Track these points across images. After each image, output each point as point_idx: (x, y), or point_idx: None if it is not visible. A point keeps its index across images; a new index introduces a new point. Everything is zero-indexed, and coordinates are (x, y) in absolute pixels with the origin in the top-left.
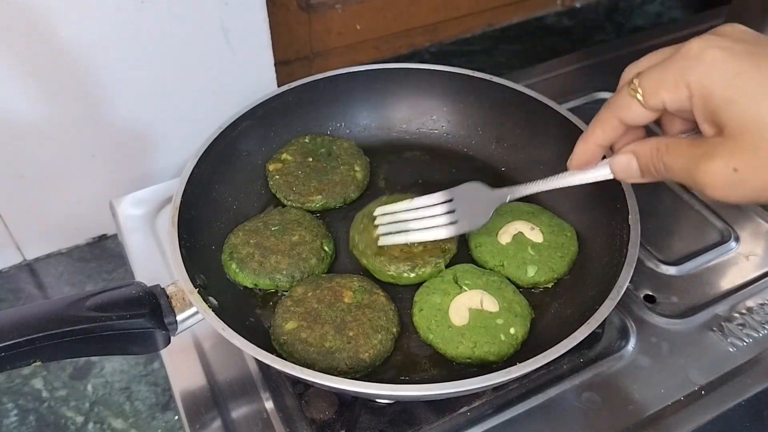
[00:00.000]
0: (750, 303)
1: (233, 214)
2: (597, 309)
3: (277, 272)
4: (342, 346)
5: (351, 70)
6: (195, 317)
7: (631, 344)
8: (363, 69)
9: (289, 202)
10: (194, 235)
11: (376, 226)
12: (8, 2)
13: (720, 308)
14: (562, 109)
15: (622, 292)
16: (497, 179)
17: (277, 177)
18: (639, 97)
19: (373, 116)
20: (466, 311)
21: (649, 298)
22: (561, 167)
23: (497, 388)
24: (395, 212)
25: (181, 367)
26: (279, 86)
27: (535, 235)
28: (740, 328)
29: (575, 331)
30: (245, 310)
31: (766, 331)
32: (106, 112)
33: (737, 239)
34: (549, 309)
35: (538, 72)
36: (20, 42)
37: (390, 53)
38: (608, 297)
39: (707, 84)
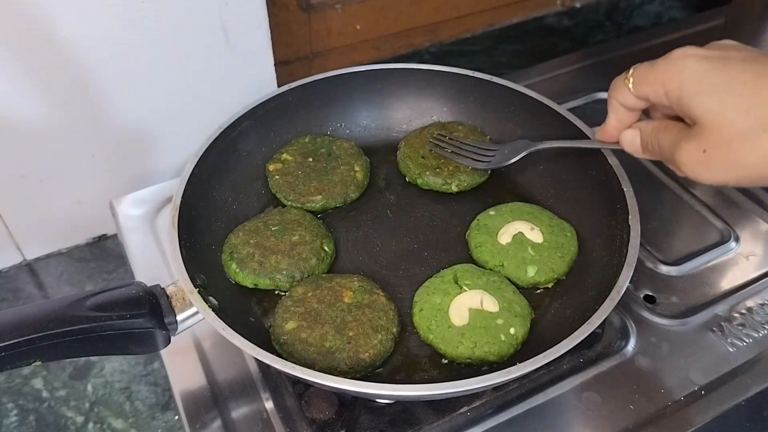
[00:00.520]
0: (750, 303)
1: (233, 214)
2: (597, 309)
3: (277, 272)
4: (342, 346)
5: (351, 70)
6: (195, 317)
7: (631, 344)
8: (363, 69)
9: (289, 202)
10: (194, 235)
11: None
12: (8, 2)
13: (720, 308)
14: (562, 109)
15: (622, 292)
16: (497, 179)
17: (277, 177)
18: (629, 85)
19: (373, 116)
20: (466, 311)
21: (649, 298)
22: (561, 168)
23: (497, 388)
24: (451, 138)
25: (181, 367)
26: (279, 86)
27: (535, 236)
28: (740, 328)
29: (575, 331)
30: (245, 310)
31: (766, 331)
32: (106, 112)
33: (737, 239)
34: (549, 309)
35: (538, 72)
36: (20, 42)
37: (390, 53)
38: (608, 297)
39: (678, 82)
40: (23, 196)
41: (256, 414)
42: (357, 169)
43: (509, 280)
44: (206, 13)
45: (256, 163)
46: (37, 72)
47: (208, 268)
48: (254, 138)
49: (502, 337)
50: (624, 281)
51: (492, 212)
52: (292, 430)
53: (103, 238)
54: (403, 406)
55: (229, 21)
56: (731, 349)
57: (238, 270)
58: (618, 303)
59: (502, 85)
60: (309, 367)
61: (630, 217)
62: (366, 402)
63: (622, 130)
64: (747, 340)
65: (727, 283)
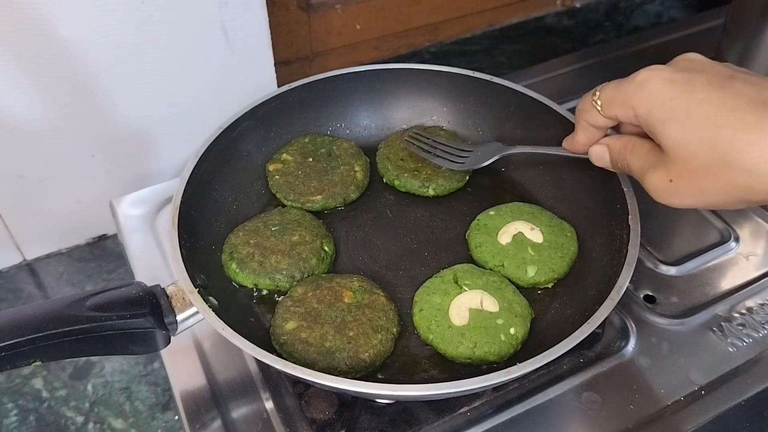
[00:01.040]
0: (750, 303)
1: (233, 214)
2: (597, 309)
3: (277, 272)
4: (342, 346)
5: (351, 70)
6: (195, 317)
7: (631, 344)
8: (363, 69)
9: (289, 202)
10: (194, 235)
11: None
12: (8, 2)
13: (720, 308)
14: (562, 109)
15: (622, 292)
16: (497, 179)
17: (277, 177)
18: (597, 106)
19: (373, 116)
20: (466, 311)
21: (649, 298)
22: (561, 168)
23: (497, 388)
24: (427, 137)
25: (181, 367)
26: (279, 86)
27: (535, 236)
28: (740, 328)
29: (575, 331)
30: (245, 310)
31: (766, 331)
32: (106, 112)
33: (737, 239)
34: (549, 309)
35: (538, 72)
36: (20, 42)
37: (390, 53)
38: (608, 297)
39: (646, 107)
40: (23, 196)
41: (256, 414)
42: (357, 169)
43: (509, 280)
44: (206, 13)
45: (256, 163)
46: (37, 72)
47: (208, 268)
48: (254, 138)
49: (502, 337)
50: (624, 281)
51: (492, 212)
52: (292, 430)
53: (103, 238)
54: (403, 406)
55: (229, 21)
56: (731, 349)
57: (238, 270)
58: (618, 303)
59: (502, 85)
60: (309, 367)
61: (630, 217)
62: (366, 402)
63: (590, 145)
64: (747, 340)
65: (727, 283)
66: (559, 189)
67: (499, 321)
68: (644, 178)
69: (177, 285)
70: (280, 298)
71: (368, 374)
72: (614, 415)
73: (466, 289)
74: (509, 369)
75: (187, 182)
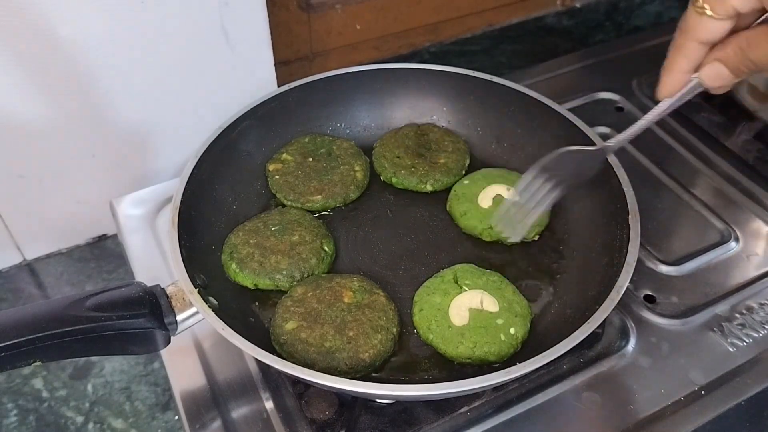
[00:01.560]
0: (750, 303)
1: (233, 214)
2: (597, 309)
3: (277, 272)
4: (342, 346)
5: (351, 70)
6: (195, 317)
7: (631, 344)
8: (363, 69)
9: (289, 202)
10: (194, 235)
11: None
12: (8, 1)
13: (720, 308)
14: (562, 109)
15: (622, 292)
16: None
17: (277, 177)
18: (708, 11)
19: (373, 116)
20: (466, 311)
21: (649, 298)
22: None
23: (497, 388)
24: (509, 209)
25: (181, 367)
26: (279, 86)
27: (513, 195)
28: (740, 328)
29: (575, 331)
30: (245, 310)
31: (766, 331)
32: (106, 112)
33: (737, 239)
34: (549, 309)
35: (538, 72)
36: (20, 42)
37: (390, 53)
38: (608, 297)
39: None
40: (23, 196)
41: (256, 414)
42: (357, 169)
43: (499, 239)
44: (206, 13)
45: (256, 163)
46: (37, 72)
47: (208, 268)
48: (254, 138)
49: (502, 337)
50: (624, 281)
51: (466, 181)
52: (292, 430)
53: (103, 238)
54: (403, 406)
55: (229, 21)
56: (731, 349)
57: (238, 270)
58: (618, 303)
59: (502, 85)
60: (309, 367)
61: (630, 217)
62: (366, 402)
63: (691, 71)
64: (747, 340)
65: (727, 282)
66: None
67: (499, 321)
68: None
69: (177, 285)
70: (280, 298)
71: (368, 374)
72: (614, 415)
73: (466, 289)
74: (509, 369)
75: (187, 182)
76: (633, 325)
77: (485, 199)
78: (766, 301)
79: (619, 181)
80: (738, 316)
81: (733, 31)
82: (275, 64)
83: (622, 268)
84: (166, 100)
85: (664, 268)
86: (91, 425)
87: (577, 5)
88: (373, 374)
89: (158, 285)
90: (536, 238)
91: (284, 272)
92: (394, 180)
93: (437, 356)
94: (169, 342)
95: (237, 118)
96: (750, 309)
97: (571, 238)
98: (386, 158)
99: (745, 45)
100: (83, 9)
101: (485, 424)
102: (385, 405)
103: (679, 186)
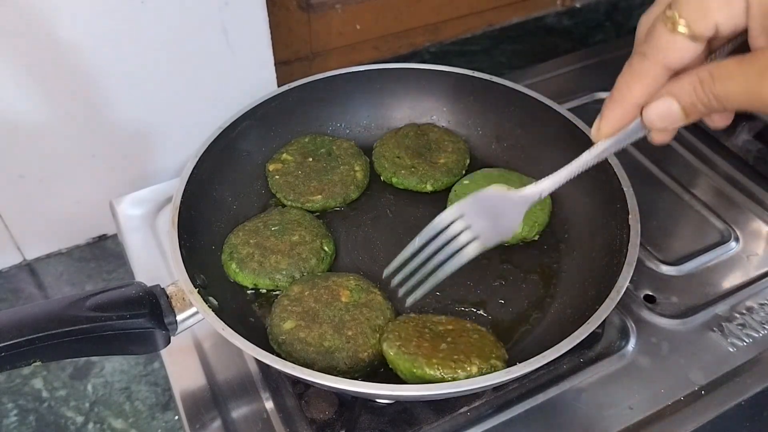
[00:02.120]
0: (750, 303)
1: (233, 214)
2: (597, 309)
3: (277, 272)
4: (341, 345)
5: (351, 70)
6: (195, 317)
7: (631, 344)
8: (363, 69)
9: (289, 202)
10: (194, 235)
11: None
12: (8, 2)
13: (720, 308)
14: (562, 109)
15: (622, 292)
16: None
17: (277, 177)
18: (682, 29)
19: (373, 116)
20: None
21: (649, 298)
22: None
23: (497, 388)
24: (404, 262)
25: (181, 367)
26: (279, 86)
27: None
28: (740, 328)
29: (575, 331)
30: (245, 310)
31: (766, 331)
32: (106, 112)
33: (737, 239)
34: (549, 309)
35: (538, 72)
36: (20, 42)
37: (390, 53)
38: (608, 297)
39: None
40: (23, 196)
41: (256, 414)
42: (357, 169)
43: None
44: (206, 13)
45: (256, 163)
46: (37, 72)
47: (208, 268)
48: (254, 138)
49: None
50: (624, 281)
51: (466, 181)
52: (292, 430)
53: (103, 238)
54: (403, 406)
55: (229, 21)
56: (731, 349)
57: (237, 270)
58: (618, 303)
59: (502, 85)
60: (308, 367)
61: (630, 217)
62: (366, 402)
63: (646, 101)
64: (747, 340)
65: (727, 282)
66: (559, 188)
67: None
68: (762, 89)
69: (177, 285)
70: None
71: (368, 373)
72: (614, 415)
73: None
74: (509, 369)
75: (187, 182)
76: (633, 325)
77: None
78: (766, 301)
79: (619, 181)
80: (738, 316)
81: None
82: (275, 64)
83: (622, 268)
84: (166, 100)
85: (664, 268)
86: (91, 425)
87: (577, 5)
88: (373, 374)
89: (158, 285)
90: (536, 237)
91: (284, 272)
92: (394, 180)
93: None
94: (169, 342)
95: (237, 118)
96: (750, 309)
97: (571, 237)
98: (386, 158)
99: (709, 78)
100: (83, 9)
101: (485, 424)
102: (385, 405)
103: (679, 186)
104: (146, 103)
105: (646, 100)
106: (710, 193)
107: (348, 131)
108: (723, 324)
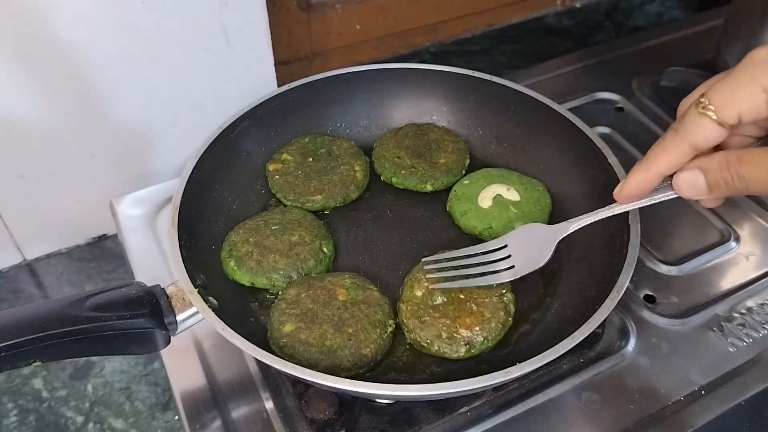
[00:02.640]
0: (750, 303)
1: (233, 214)
2: (597, 309)
3: (275, 272)
4: (343, 343)
5: (351, 70)
6: (195, 317)
7: (631, 344)
8: (363, 69)
9: (289, 202)
10: (194, 235)
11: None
12: (8, 2)
13: (720, 308)
14: (562, 109)
15: (622, 292)
16: None
17: (277, 177)
18: (711, 114)
19: (373, 116)
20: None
21: (649, 298)
22: (561, 167)
23: (497, 388)
24: (447, 259)
25: (181, 367)
26: (279, 86)
27: (512, 195)
28: (740, 328)
29: (575, 331)
30: (245, 310)
31: (766, 331)
32: (106, 112)
33: (737, 239)
34: (549, 309)
35: (538, 72)
36: (20, 42)
37: (390, 53)
38: (608, 297)
39: None
40: (23, 196)
41: (256, 414)
42: (357, 169)
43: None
44: (206, 13)
45: (256, 163)
46: (37, 72)
47: (208, 268)
48: (254, 138)
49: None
50: (624, 281)
51: (466, 181)
52: (292, 430)
53: (103, 238)
54: (403, 406)
55: (229, 21)
56: (731, 349)
57: (236, 268)
58: (618, 303)
59: (502, 85)
60: (312, 368)
61: (630, 217)
62: (366, 402)
63: (667, 174)
64: (747, 340)
65: (727, 283)
66: (559, 188)
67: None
68: None
69: (177, 285)
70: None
71: (370, 370)
72: (614, 415)
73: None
74: (509, 369)
75: (187, 182)
76: (633, 325)
77: (485, 199)
78: (766, 301)
79: (619, 181)
80: (738, 316)
81: (718, 148)
82: (275, 64)
83: (622, 268)
84: (166, 100)
85: (664, 268)
86: (91, 425)
87: (577, 5)
88: (374, 372)
89: (158, 285)
90: None
91: (281, 272)
92: (394, 180)
93: (438, 356)
94: (169, 342)
95: (237, 118)
96: (750, 309)
97: (571, 237)
98: (386, 158)
99: (736, 160)
100: (83, 9)
101: (485, 424)
102: (385, 405)
103: None
104: (146, 102)
105: (669, 172)
106: None
107: (348, 131)
108: (723, 324)
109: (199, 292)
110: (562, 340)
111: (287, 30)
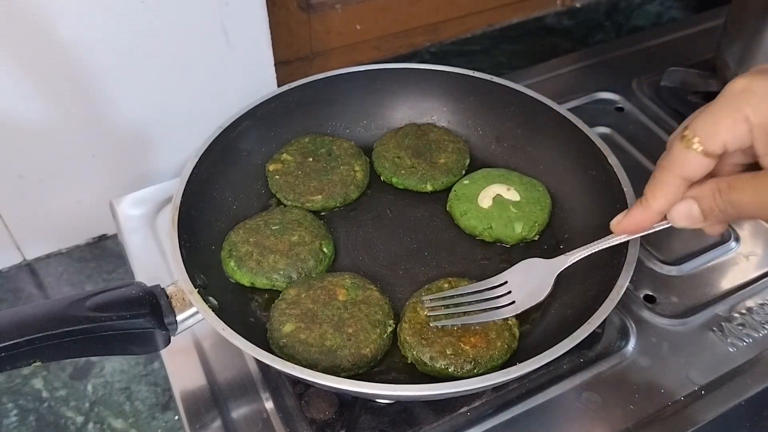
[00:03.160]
0: (750, 303)
1: (233, 214)
2: (597, 309)
3: (275, 272)
4: (343, 343)
5: (351, 70)
6: (195, 317)
7: (631, 344)
8: (363, 69)
9: (289, 202)
10: (194, 235)
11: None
12: (8, 2)
13: (720, 308)
14: (562, 109)
15: (622, 292)
16: None
17: (277, 177)
18: (696, 145)
19: (373, 116)
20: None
21: (649, 298)
22: (561, 167)
23: (497, 388)
24: (448, 296)
25: (181, 367)
26: (279, 86)
27: (512, 195)
28: (740, 328)
29: (575, 331)
30: (245, 310)
31: (766, 331)
32: (106, 112)
33: (737, 239)
34: (549, 309)
35: (538, 72)
36: (20, 42)
37: (390, 53)
38: (608, 297)
39: (764, 112)
40: (23, 196)
41: (256, 414)
42: (357, 169)
43: (499, 239)
44: (206, 13)
45: (256, 163)
46: (37, 72)
47: (208, 268)
48: (254, 138)
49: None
50: (624, 281)
51: (466, 181)
52: (292, 430)
53: (103, 238)
54: (403, 406)
55: (229, 21)
56: (731, 349)
57: (236, 268)
58: (618, 303)
59: (502, 85)
60: (312, 368)
61: None
62: (366, 402)
63: (669, 208)
64: (747, 340)
65: (727, 283)
66: (559, 188)
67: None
68: None
69: (177, 285)
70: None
71: (370, 370)
72: (614, 415)
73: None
74: (509, 369)
75: (187, 182)
76: (633, 325)
77: (485, 199)
78: (766, 301)
79: (619, 181)
80: (738, 316)
81: (710, 176)
82: (275, 64)
83: (622, 268)
84: (166, 100)
85: (664, 268)
86: (91, 425)
87: (577, 5)
88: (374, 372)
89: (158, 285)
90: (536, 237)
91: (281, 272)
92: (394, 180)
93: None
94: (169, 342)
95: (237, 118)
96: (750, 309)
97: (571, 237)
98: (386, 158)
99: (726, 187)
100: (83, 9)
101: (485, 424)
102: (385, 405)
103: None
104: (146, 103)
105: (668, 209)
106: None
107: (348, 131)
108: (723, 324)
109: (199, 292)
110: (562, 340)
111: (287, 30)
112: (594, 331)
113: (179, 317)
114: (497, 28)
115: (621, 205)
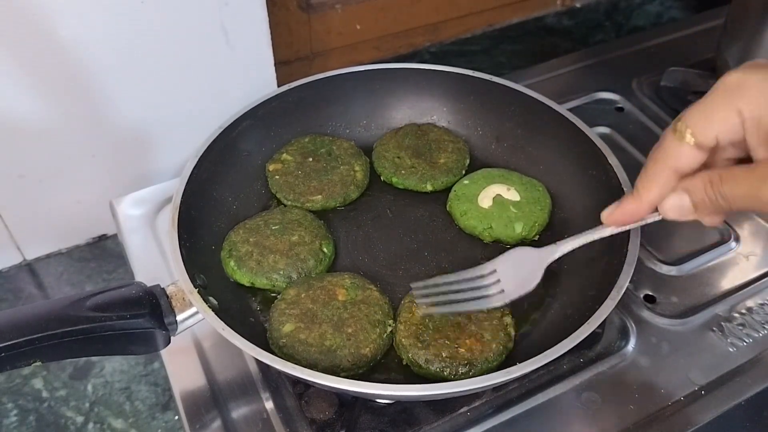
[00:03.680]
0: (750, 303)
1: (233, 214)
2: (597, 309)
3: (275, 272)
4: (342, 343)
5: (351, 70)
6: (195, 317)
7: (631, 344)
8: (363, 69)
9: (289, 202)
10: (194, 235)
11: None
12: (8, 2)
13: (720, 308)
14: (562, 109)
15: (622, 292)
16: None
17: (277, 177)
18: (688, 138)
19: (373, 116)
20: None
21: (649, 298)
22: (561, 167)
23: (497, 388)
24: (436, 284)
25: (181, 367)
26: (279, 86)
27: (512, 195)
28: (740, 328)
29: (575, 331)
30: (245, 310)
31: (766, 331)
32: (106, 112)
33: (737, 239)
34: (549, 309)
35: (538, 72)
36: (20, 42)
37: (390, 53)
38: (608, 297)
39: (757, 105)
40: (23, 196)
41: (256, 414)
42: (357, 169)
43: (499, 239)
44: (206, 13)
45: (256, 163)
46: (37, 72)
47: (208, 268)
48: (254, 138)
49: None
50: (624, 281)
51: (466, 181)
52: (292, 430)
53: (103, 238)
54: (403, 406)
55: (229, 21)
56: (731, 349)
57: (236, 268)
58: (618, 303)
59: (502, 85)
60: (311, 368)
61: None
62: (366, 402)
63: (661, 201)
64: (747, 340)
65: (727, 283)
66: (559, 188)
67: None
68: (761, 194)
69: (177, 285)
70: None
71: (370, 370)
72: (614, 415)
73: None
74: (509, 369)
75: (187, 182)
76: (633, 325)
77: (485, 199)
78: (766, 301)
79: (619, 181)
80: (738, 316)
81: (702, 169)
82: (275, 64)
83: (622, 268)
84: (166, 100)
85: (664, 268)
86: (91, 425)
87: (577, 5)
88: (374, 373)
89: (158, 285)
90: (536, 238)
91: (281, 272)
92: (394, 180)
93: None
94: (169, 342)
95: (237, 118)
96: (750, 309)
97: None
98: (386, 158)
99: (717, 179)
100: (83, 9)
101: (485, 424)
102: (385, 405)
103: None
104: (146, 103)
105: (660, 201)
106: None
107: (348, 131)
108: (723, 324)
109: (199, 292)
110: (562, 340)
111: (287, 30)
112: (594, 331)
113: (179, 317)
114: (497, 28)
115: None
